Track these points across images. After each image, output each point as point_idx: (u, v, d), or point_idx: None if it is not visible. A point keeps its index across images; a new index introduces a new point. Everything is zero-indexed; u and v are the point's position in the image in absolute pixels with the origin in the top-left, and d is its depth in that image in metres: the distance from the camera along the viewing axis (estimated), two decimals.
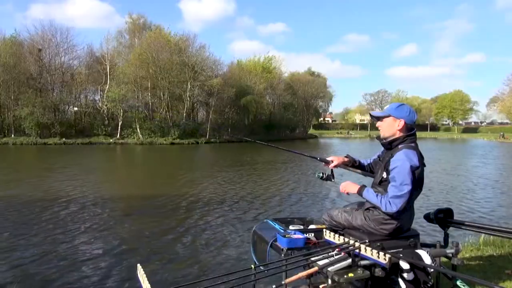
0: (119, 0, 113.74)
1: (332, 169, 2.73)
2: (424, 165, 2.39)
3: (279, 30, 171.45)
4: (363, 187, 2.46)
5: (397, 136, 2.39)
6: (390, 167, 2.31)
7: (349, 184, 2.57)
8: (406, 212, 2.35)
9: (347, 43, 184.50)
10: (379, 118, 2.47)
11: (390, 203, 2.25)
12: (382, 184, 2.41)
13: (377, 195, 2.35)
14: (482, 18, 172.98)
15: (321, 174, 2.73)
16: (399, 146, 2.36)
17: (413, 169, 2.24)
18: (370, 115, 2.66)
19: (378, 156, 2.68)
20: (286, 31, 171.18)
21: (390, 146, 2.43)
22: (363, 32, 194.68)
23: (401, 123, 2.37)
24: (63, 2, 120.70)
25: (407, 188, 2.22)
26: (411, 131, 2.40)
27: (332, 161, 2.71)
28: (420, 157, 2.33)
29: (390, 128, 2.40)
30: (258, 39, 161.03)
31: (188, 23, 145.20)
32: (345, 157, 2.78)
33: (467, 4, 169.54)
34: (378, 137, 2.52)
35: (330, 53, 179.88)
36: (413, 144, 2.36)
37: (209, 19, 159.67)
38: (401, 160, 2.26)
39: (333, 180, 2.72)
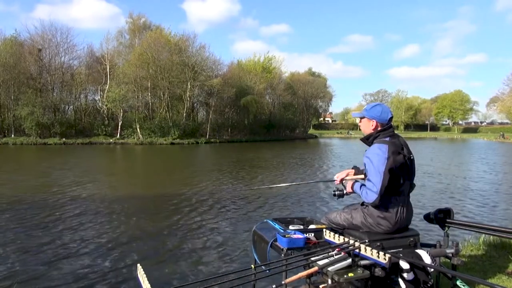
0: (125, 1, 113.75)
1: (343, 184, 2.74)
2: (408, 157, 2.44)
3: (282, 31, 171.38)
4: (355, 182, 2.58)
5: (372, 132, 2.53)
6: (364, 162, 2.46)
7: (348, 183, 2.63)
8: (398, 205, 2.39)
9: (350, 43, 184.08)
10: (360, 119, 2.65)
11: (367, 193, 2.37)
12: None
13: (360, 187, 2.48)
14: (483, 19, 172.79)
15: (335, 193, 2.71)
16: (374, 142, 2.48)
17: (382, 162, 2.32)
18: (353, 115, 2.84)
19: None
20: (289, 32, 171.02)
21: (368, 142, 2.56)
22: (365, 33, 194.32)
23: (374, 123, 2.52)
24: (69, 3, 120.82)
25: (377, 180, 2.31)
26: (386, 127, 2.50)
27: (338, 177, 2.75)
28: (394, 149, 2.38)
29: (367, 127, 2.57)
30: (261, 40, 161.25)
31: (192, 24, 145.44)
32: (352, 168, 2.81)
33: (469, 6, 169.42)
34: (361, 138, 2.67)
35: (332, 53, 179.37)
36: (386, 139, 2.44)
37: (213, 20, 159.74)
38: (370, 154, 2.39)
39: (349, 194, 2.68)
